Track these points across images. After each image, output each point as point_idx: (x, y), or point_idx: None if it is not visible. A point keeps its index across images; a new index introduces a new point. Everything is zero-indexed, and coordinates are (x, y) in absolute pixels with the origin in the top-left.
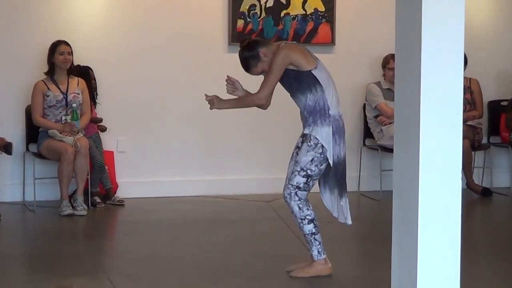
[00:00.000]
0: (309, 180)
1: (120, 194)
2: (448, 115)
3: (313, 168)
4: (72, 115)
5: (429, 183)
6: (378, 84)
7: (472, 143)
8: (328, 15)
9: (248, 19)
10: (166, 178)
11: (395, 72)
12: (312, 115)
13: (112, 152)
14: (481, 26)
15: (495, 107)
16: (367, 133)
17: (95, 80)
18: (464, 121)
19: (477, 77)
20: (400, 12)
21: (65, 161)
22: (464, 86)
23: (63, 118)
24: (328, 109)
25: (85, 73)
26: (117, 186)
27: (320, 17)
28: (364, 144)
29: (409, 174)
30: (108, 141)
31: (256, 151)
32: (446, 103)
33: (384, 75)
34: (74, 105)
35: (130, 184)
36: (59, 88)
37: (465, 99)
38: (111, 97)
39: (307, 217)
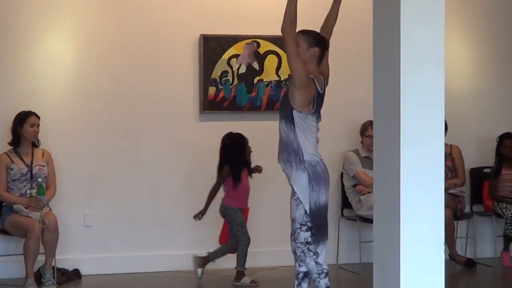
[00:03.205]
0: (313, 232)
1: (87, 270)
2: (429, 184)
3: (310, 219)
4: (38, 189)
5: (410, 255)
6: (356, 152)
7: (455, 212)
8: None
9: (220, 86)
10: (135, 253)
11: (373, 140)
12: (287, 152)
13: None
14: (462, 92)
15: (478, 174)
16: (345, 203)
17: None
18: (446, 189)
19: (458, 143)
20: (378, 78)
21: (32, 238)
22: (445, 153)
23: (28, 191)
24: (302, 154)
25: (240, 141)
26: None
27: None
28: (342, 214)
29: (390, 246)
30: (74, 215)
31: None
32: (427, 171)
33: (362, 142)
34: (39, 179)
35: (98, 259)
36: (23, 161)
37: (446, 166)
38: (77, 168)
39: (324, 271)
